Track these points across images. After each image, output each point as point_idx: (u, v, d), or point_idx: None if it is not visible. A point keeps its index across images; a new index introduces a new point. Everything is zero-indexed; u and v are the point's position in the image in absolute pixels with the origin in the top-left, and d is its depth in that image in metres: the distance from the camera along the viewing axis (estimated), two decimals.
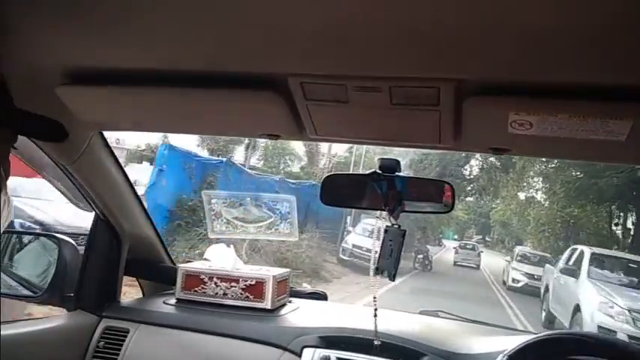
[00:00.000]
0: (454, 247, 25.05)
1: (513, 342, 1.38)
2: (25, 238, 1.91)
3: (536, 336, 1.36)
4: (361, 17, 0.74)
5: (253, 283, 1.79)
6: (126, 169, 1.69)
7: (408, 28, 0.76)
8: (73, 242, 1.75)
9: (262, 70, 0.98)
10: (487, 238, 44.07)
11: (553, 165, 18.59)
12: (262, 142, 16.87)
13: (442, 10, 0.71)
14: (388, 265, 1.43)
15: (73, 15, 0.82)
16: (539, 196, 23.24)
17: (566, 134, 1.00)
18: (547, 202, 21.77)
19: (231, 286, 1.80)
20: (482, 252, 24.61)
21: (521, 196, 26.77)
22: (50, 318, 1.68)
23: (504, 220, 35.32)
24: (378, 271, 1.44)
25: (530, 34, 0.74)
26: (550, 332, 1.38)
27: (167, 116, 1.29)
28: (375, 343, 1.50)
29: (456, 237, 35.30)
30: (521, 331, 1.71)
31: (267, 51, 0.89)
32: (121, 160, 2.01)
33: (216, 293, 1.81)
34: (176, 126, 1.57)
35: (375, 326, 1.50)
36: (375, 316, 1.50)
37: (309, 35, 0.81)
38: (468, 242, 27.03)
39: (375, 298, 1.53)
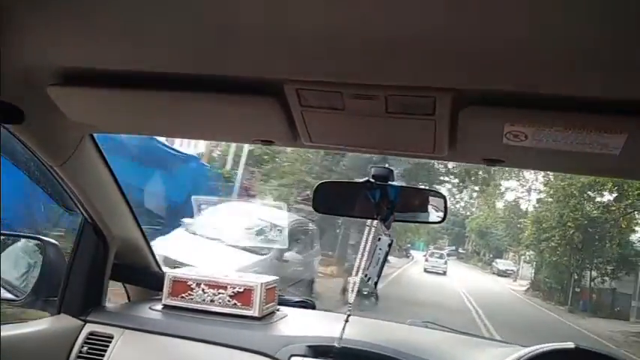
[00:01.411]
0: (424, 256, 26.79)
1: (502, 354, 1.37)
2: (9, 240, 1.87)
3: (529, 350, 1.35)
4: (358, 25, 0.74)
5: (241, 290, 1.77)
6: None
7: (404, 38, 0.76)
8: (58, 245, 1.72)
9: (258, 75, 0.97)
10: (460, 250, 40.70)
11: None
12: None
13: (439, 21, 0.71)
14: (373, 272, 1.43)
15: (66, 15, 0.81)
16: (542, 191, 19.78)
17: (560, 147, 1.00)
18: (553, 198, 16.88)
19: (219, 293, 1.78)
20: (447, 260, 26.76)
21: (512, 195, 24.88)
22: (33, 322, 1.65)
23: (483, 229, 32.47)
24: (366, 277, 1.44)
25: (528, 47, 0.74)
26: (541, 346, 1.37)
27: (160, 120, 1.27)
28: (336, 345, 1.50)
29: (431, 247, 32.82)
30: (510, 343, 1.70)
31: (264, 56, 0.88)
32: None
33: (204, 300, 1.78)
34: (169, 130, 1.56)
35: (342, 332, 1.50)
36: (346, 321, 1.51)
37: (306, 42, 0.81)
38: (436, 251, 28.36)
39: (350, 304, 1.53)
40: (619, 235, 14.83)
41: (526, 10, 0.67)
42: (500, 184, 22.60)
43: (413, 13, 0.70)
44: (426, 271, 23.21)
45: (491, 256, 34.44)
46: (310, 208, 1.42)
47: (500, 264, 30.27)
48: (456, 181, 19.99)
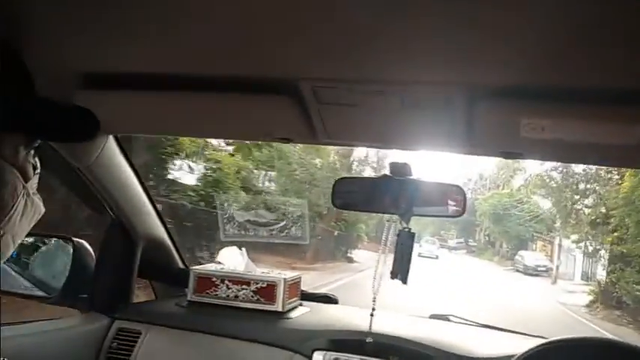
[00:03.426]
0: (417, 244, 28.03)
1: (525, 346, 1.37)
2: (40, 240, 1.93)
3: (549, 340, 1.35)
4: (372, 22, 0.74)
5: (264, 285, 1.80)
6: None
7: (418, 33, 0.76)
8: (87, 245, 1.77)
9: (275, 74, 0.98)
10: (471, 242, 34.26)
11: None
12: None
13: (452, 15, 0.71)
14: (402, 268, 1.43)
15: (89, 21, 0.83)
16: None
17: (578, 138, 0.99)
18: None
19: (243, 289, 1.81)
20: (437, 245, 28.98)
21: None
22: (64, 319, 1.70)
23: (499, 210, 24.96)
24: (393, 274, 1.43)
25: (543, 38, 0.74)
26: (563, 337, 1.36)
27: (180, 120, 1.30)
28: (367, 341, 1.51)
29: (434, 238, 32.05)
30: (534, 335, 1.70)
31: (280, 55, 0.89)
32: None
33: (228, 296, 1.82)
34: (189, 130, 1.60)
35: (370, 325, 1.51)
36: (372, 315, 1.52)
37: (321, 39, 0.82)
38: (430, 239, 29.97)
39: (374, 298, 1.53)
40: None
41: (541, 2, 0.67)
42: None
43: (425, 9, 0.70)
44: (420, 255, 24.05)
45: (511, 247, 26.95)
46: None
47: (527, 257, 22.77)
48: None
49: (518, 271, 22.19)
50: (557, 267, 19.46)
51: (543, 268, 21.56)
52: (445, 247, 32.90)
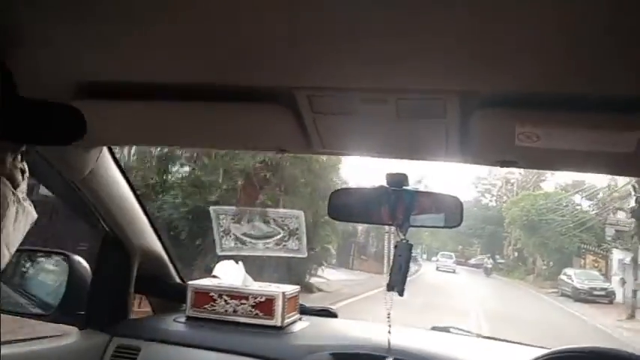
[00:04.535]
0: (435, 259, 31.24)
1: (527, 356, 1.36)
2: (36, 256, 1.92)
3: (552, 351, 1.34)
4: (367, 30, 0.74)
5: (263, 300, 1.79)
6: None
7: (413, 41, 0.76)
8: (83, 260, 1.76)
9: (269, 83, 0.98)
10: (498, 258, 29.53)
11: None
12: None
13: (447, 23, 0.71)
14: (399, 280, 1.42)
15: (83, 30, 0.82)
16: None
17: (574, 146, 0.99)
18: None
19: (241, 304, 1.80)
20: (454, 259, 30.46)
21: None
22: (62, 337, 1.69)
23: (533, 216, 18.92)
24: (389, 287, 1.42)
25: (537, 46, 0.74)
26: (567, 347, 1.35)
27: (175, 130, 1.30)
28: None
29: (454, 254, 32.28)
30: (534, 346, 1.69)
31: (274, 64, 0.89)
32: None
33: (226, 310, 1.80)
34: (184, 140, 1.59)
35: (389, 343, 1.47)
36: (389, 332, 1.48)
37: (316, 48, 0.82)
38: (447, 253, 31.81)
39: (388, 314, 1.51)
40: None
41: (535, 10, 0.67)
42: None
43: (419, 17, 0.70)
44: (437, 269, 27.02)
45: (551, 263, 20.73)
46: None
47: (577, 277, 16.93)
48: None
49: (564, 294, 17.03)
50: (635, 292, 13.65)
51: (602, 292, 16.21)
52: (464, 265, 32.23)
